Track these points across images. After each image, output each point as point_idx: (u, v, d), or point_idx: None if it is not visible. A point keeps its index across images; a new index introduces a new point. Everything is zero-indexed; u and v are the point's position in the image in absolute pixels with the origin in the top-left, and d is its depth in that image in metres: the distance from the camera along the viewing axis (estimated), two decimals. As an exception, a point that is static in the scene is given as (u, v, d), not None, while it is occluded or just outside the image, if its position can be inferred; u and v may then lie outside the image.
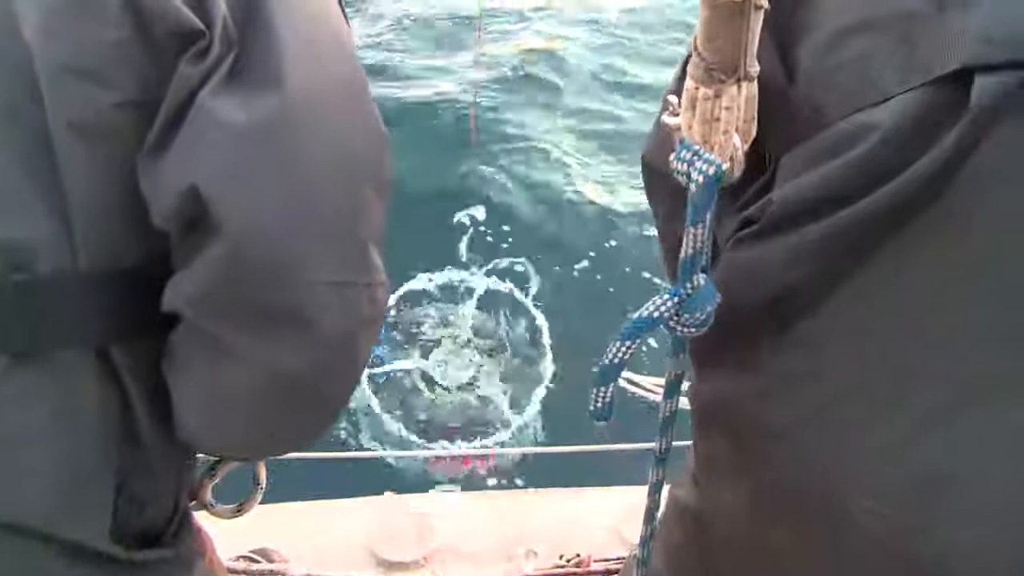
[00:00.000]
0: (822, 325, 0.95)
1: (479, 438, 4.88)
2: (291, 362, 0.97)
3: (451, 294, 5.72)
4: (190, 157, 0.90)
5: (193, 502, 1.31)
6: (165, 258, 0.98)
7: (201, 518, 1.33)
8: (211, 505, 1.37)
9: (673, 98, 0.96)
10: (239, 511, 1.43)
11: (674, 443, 1.21)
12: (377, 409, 4.93)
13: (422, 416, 5.03)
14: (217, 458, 1.34)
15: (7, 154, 0.91)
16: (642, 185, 1.27)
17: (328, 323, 0.96)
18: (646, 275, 5.70)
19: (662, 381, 1.14)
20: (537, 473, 4.56)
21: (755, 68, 0.88)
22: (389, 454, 4.66)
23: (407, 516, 2.60)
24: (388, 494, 2.70)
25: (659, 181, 1.18)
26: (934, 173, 0.85)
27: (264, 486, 1.43)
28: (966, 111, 0.82)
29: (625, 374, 2.03)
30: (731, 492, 1.10)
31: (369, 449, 4.66)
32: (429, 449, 4.72)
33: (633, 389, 2.03)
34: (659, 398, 1.16)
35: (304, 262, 0.93)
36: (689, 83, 0.91)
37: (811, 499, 0.97)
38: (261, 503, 1.46)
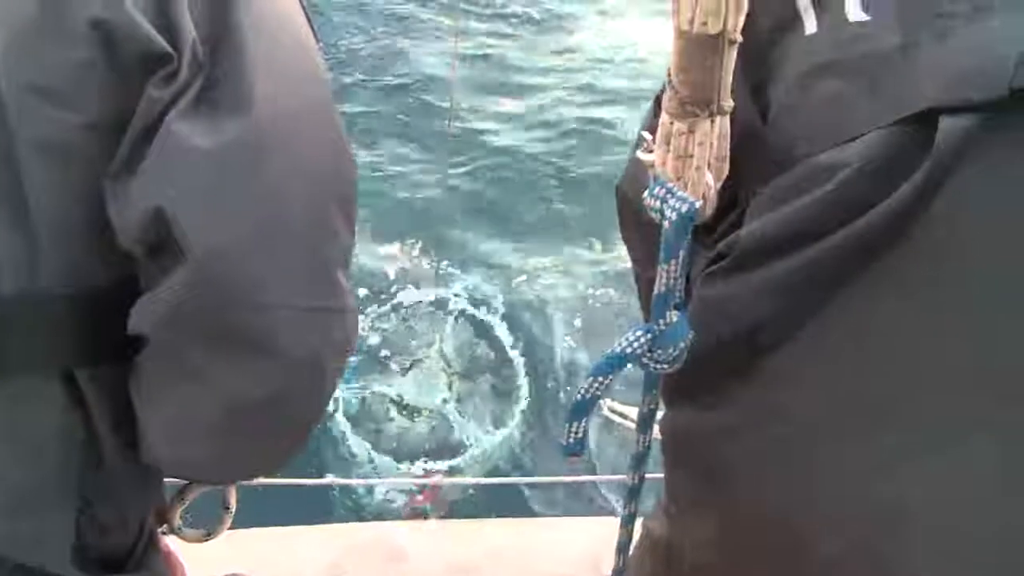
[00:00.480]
0: (790, 361, 0.96)
1: (449, 460, 4.84)
2: (257, 387, 0.96)
3: (426, 315, 5.69)
4: (156, 180, 0.89)
5: (162, 526, 1.30)
6: (132, 281, 0.96)
7: (172, 544, 1.31)
8: (180, 529, 1.35)
9: (647, 135, 0.97)
10: (208, 535, 1.41)
11: (648, 475, 1.21)
12: (348, 433, 4.88)
13: (394, 440, 5.00)
14: (186, 482, 1.32)
15: None
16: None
17: (294, 348, 0.95)
18: (624, 299, 5.72)
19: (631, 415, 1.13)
20: (509, 498, 4.55)
21: (728, 103, 0.88)
22: (359, 482, 4.63)
23: (377, 542, 2.58)
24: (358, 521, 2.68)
25: (633, 214, 1.18)
26: (900, 211, 0.85)
27: (233, 510, 1.41)
28: (931, 151, 0.83)
29: (611, 404, 2.03)
30: (700, 525, 1.11)
31: (337, 475, 4.61)
32: (401, 475, 4.68)
33: (619, 420, 2.02)
34: (631, 424, 1.16)
35: (270, 286, 0.92)
36: (664, 117, 0.91)
37: (777, 533, 0.98)
38: (231, 528, 1.44)
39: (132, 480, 1.07)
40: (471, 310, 5.77)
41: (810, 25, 0.95)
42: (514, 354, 5.50)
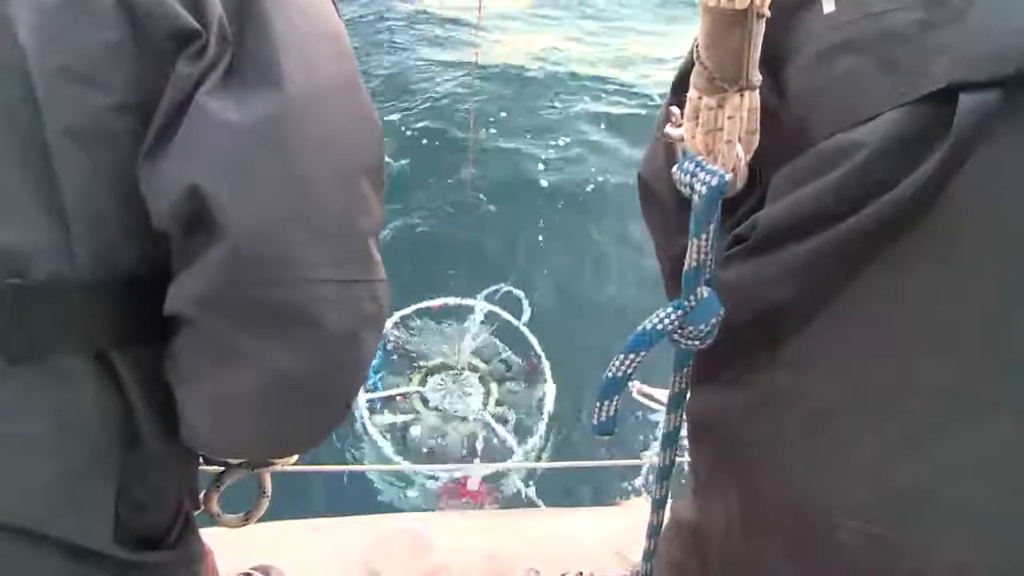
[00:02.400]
0: (810, 343, 0.96)
1: (478, 461, 4.83)
2: (297, 361, 0.96)
3: (451, 318, 5.68)
4: (189, 157, 0.90)
5: (199, 511, 1.30)
6: (165, 262, 0.97)
7: (207, 533, 1.33)
8: (218, 515, 1.37)
9: (675, 109, 0.97)
10: (246, 520, 1.43)
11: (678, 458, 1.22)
12: (376, 435, 4.89)
13: (421, 441, 4.99)
14: (223, 468, 1.34)
15: (3, 159, 0.90)
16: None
17: (332, 321, 0.95)
18: (647, 291, 5.69)
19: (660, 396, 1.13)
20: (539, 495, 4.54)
21: (757, 78, 0.88)
22: (390, 468, 4.63)
23: (405, 534, 2.58)
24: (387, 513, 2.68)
25: (656, 199, 1.19)
26: (920, 192, 0.85)
27: (269, 495, 1.43)
28: (950, 130, 0.83)
29: (640, 387, 2.03)
30: (723, 507, 1.11)
31: (368, 490, 4.61)
32: (431, 473, 4.68)
33: (648, 403, 2.02)
34: (658, 407, 1.16)
35: (307, 260, 0.93)
36: (692, 92, 0.91)
37: (797, 516, 0.98)
38: (261, 520, 1.46)
39: (170, 460, 1.09)
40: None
41: (828, 3, 0.95)
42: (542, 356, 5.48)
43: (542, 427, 5.00)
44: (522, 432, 5.05)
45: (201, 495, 1.32)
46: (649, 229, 1.27)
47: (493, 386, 5.32)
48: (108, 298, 0.97)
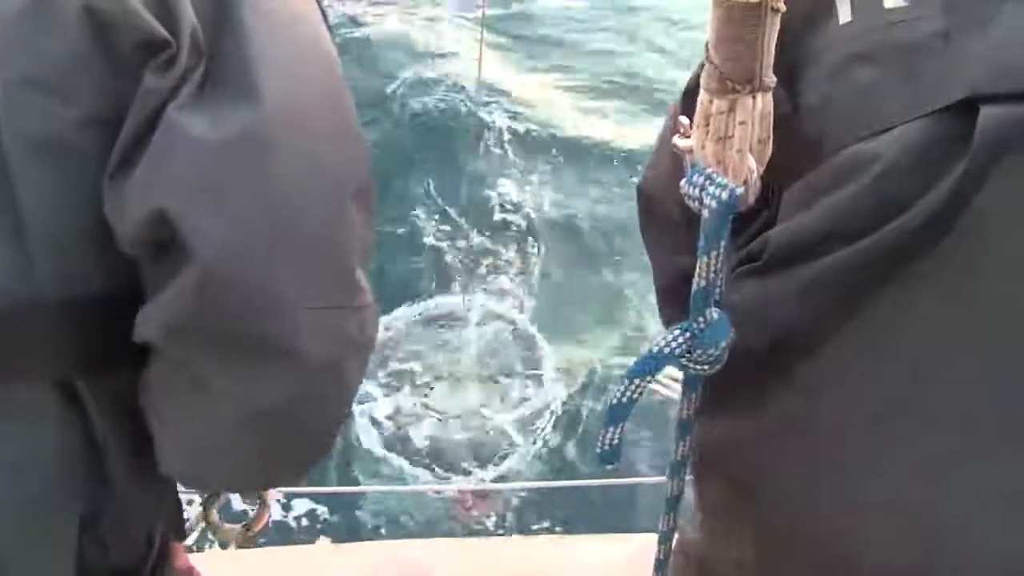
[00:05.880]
0: (822, 368, 0.94)
1: (482, 469, 4.78)
2: (274, 394, 0.91)
3: (449, 321, 5.66)
4: (158, 177, 0.85)
5: (202, 524, 1.31)
6: (133, 286, 0.93)
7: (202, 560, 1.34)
8: (217, 526, 1.35)
9: (684, 119, 0.94)
10: (247, 531, 1.39)
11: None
12: (376, 445, 4.84)
13: (424, 450, 4.95)
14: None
15: None
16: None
17: (312, 351, 0.90)
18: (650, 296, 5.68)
19: (674, 375, 1.09)
20: (543, 509, 4.48)
21: (771, 78, 0.85)
22: (393, 489, 4.59)
23: (403, 562, 2.55)
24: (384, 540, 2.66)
25: (659, 213, 1.17)
26: (937, 211, 0.83)
27: (270, 504, 1.39)
28: (970, 144, 0.81)
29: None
30: (737, 542, 1.09)
31: (370, 498, 4.58)
32: (438, 483, 4.65)
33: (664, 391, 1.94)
34: (671, 393, 1.13)
35: (285, 287, 0.88)
36: (702, 95, 0.88)
37: (818, 551, 0.96)
38: (257, 547, 1.43)
39: (139, 493, 1.04)
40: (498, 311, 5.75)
41: (844, 13, 0.93)
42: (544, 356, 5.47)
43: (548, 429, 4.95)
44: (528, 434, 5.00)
45: (200, 505, 1.31)
46: (647, 245, 1.25)
47: (496, 389, 5.28)
48: (74, 322, 0.93)
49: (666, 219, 1.13)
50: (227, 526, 1.36)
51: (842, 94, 0.92)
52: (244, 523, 1.38)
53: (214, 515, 1.33)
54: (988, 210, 0.83)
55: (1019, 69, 0.81)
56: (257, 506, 1.38)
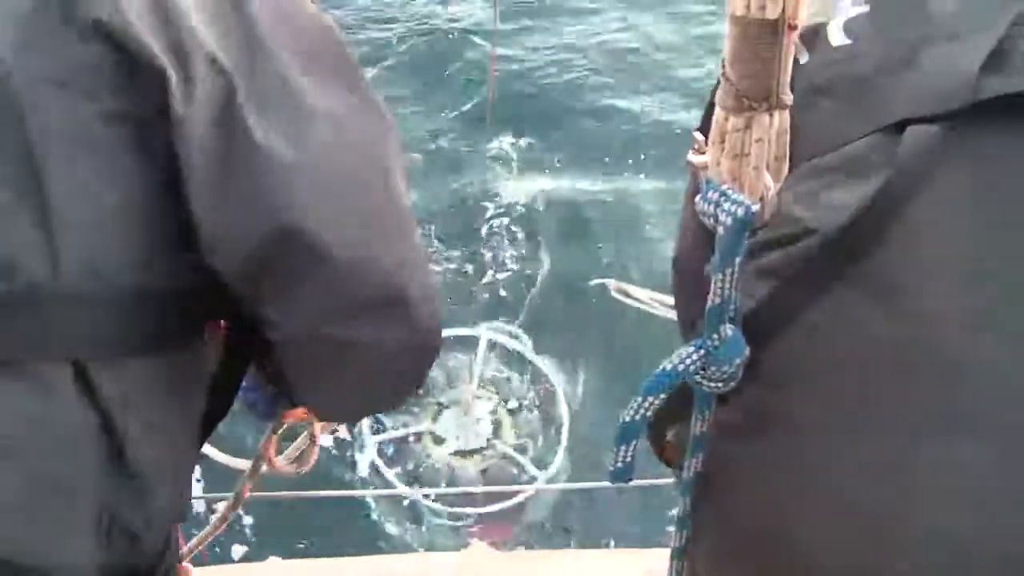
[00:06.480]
0: (786, 360, 0.97)
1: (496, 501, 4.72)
2: (401, 334, 1.06)
3: (459, 350, 5.62)
4: (264, 203, 0.94)
5: (260, 461, 1.45)
6: (160, 277, 0.99)
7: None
8: (273, 460, 1.46)
9: (699, 135, 0.96)
10: (298, 467, 1.52)
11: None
12: (389, 475, 4.83)
13: (436, 479, 4.93)
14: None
15: None
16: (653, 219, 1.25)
17: (418, 294, 1.05)
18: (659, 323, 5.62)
19: (660, 296, 1.10)
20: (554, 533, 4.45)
21: (788, 96, 0.86)
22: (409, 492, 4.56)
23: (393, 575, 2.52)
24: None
25: (687, 277, 1.17)
26: (872, 213, 0.90)
27: (319, 443, 1.52)
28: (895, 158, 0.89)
29: (617, 285, 1.91)
30: (704, 535, 1.11)
31: (384, 540, 4.53)
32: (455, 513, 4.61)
33: (627, 300, 1.88)
34: (657, 311, 1.12)
35: (391, 252, 1.02)
36: (718, 112, 0.89)
37: (771, 547, 0.98)
38: (262, 560, 1.47)
39: (159, 478, 1.06)
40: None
41: (803, 57, 1.02)
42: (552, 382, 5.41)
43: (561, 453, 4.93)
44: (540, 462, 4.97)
45: (260, 443, 1.44)
46: (678, 312, 1.26)
47: (506, 416, 5.25)
48: (96, 308, 0.97)
49: (693, 279, 1.12)
50: (280, 461, 1.48)
51: (807, 120, 0.97)
52: (296, 461, 1.52)
53: (271, 453, 1.43)
54: (916, 219, 0.89)
55: (943, 94, 0.89)
56: (307, 444, 1.51)
